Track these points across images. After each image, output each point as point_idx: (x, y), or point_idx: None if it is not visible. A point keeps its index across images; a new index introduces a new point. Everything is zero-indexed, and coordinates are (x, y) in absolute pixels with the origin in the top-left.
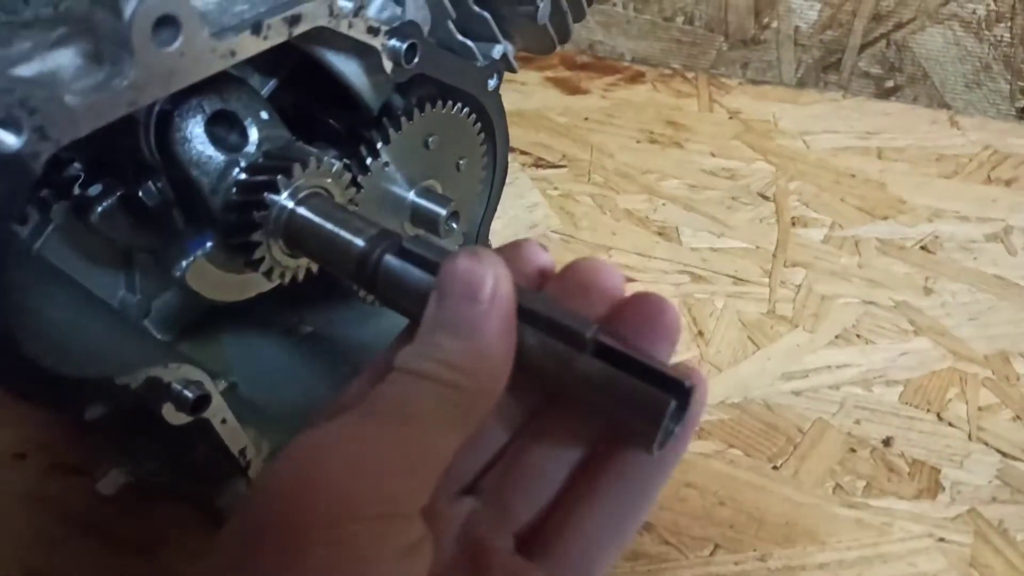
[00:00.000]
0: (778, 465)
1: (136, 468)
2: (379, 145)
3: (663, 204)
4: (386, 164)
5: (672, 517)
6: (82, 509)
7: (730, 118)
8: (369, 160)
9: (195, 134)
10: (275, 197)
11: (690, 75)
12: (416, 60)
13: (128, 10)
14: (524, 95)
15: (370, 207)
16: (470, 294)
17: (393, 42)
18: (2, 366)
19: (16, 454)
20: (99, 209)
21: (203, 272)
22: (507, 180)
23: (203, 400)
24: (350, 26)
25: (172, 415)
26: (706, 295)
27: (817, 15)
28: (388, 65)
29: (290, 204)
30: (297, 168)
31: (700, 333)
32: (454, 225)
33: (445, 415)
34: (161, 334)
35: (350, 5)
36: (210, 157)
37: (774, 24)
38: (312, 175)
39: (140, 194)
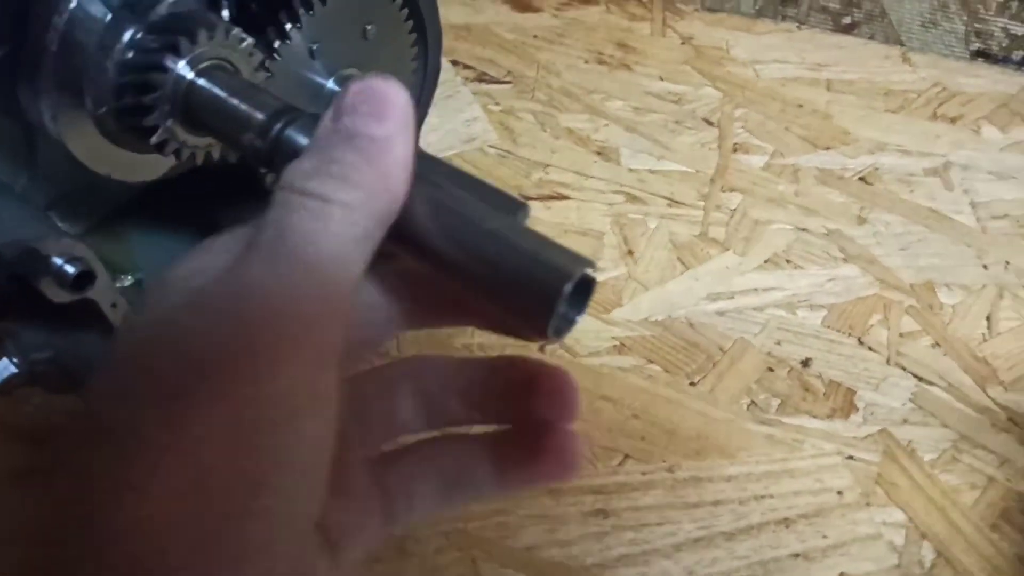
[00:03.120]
0: (695, 382)
1: (27, 359)
2: (287, 27)
3: (605, 125)
4: (298, 48)
5: (584, 427)
6: None
7: (682, 43)
8: (277, 43)
9: None
10: (173, 63)
11: None
12: None
13: None
14: (473, 9)
15: (284, 93)
16: (377, 113)
17: None
18: None
19: None
20: None
21: (85, 136)
22: (448, 94)
23: (86, 277)
24: None
25: (52, 291)
26: (639, 215)
27: None
28: None
29: (190, 73)
30: (202, 34)
31: (630, 252)
32: None
33: (346, 243)
34: (66, 226)
35: None
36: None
37: None
38: (219, 45)
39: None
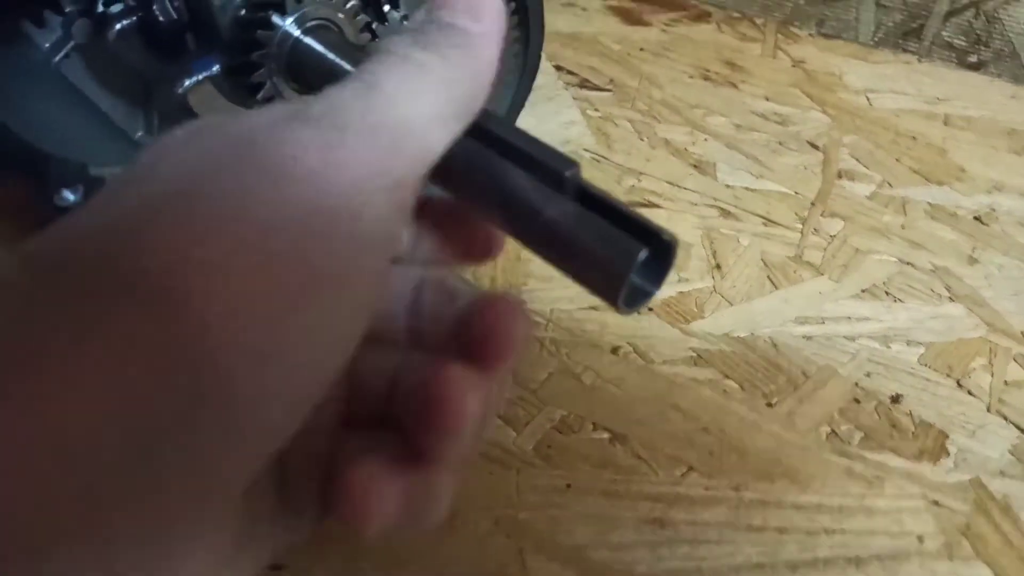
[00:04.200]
0: (773, 403)
1: None
2: None
3: (705, 139)
4: (405, 17)
5: (650, 434)
6: None
7: (793, 66)
8: (387, 7)
9: None
10: (280, 20)
11: (759, 21)
12: None
13: None
14: (583, 20)
15: None
16: (474, 11)
17: None
18: None
19: None
20: (116, 27)
21: (207, 97)
22: (548, 96)
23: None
24: None
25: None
26: (731, 231)
27: None
28: None
29: (296, 31)
30: None
31: (718, 266)
32: None
33: (433, 117)
34: None
35: None
36: None
37: None
38: (324, 5)
39: (154, 9)
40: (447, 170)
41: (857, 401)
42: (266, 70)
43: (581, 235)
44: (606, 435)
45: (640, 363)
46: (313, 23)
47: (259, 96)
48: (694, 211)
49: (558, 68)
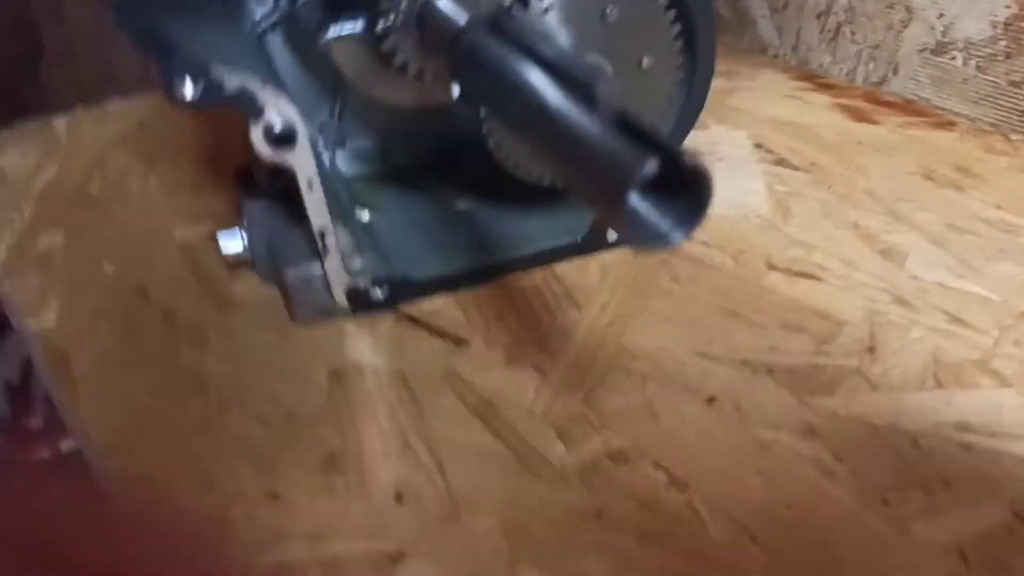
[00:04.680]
0: (891, 502)
1: (250, 236)
2: None
3: (905, 231)
4: (547, 10)
5: (717, 490)
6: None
7: None
8: None
9: None
10: None
11: (1015, 138)
12: None
13: None
14: (803, 110)
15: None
16: None
17: None
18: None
19: None
20: None
21: (351, 55)
22: (736, 165)
23: (289, 136)
24: None
25: (257, 142)
26: (903, 320)
27: None
28: None
29: None
30: None
31: (871, 349)
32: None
33: None
34: (344, 166)
35: None
36: None
37: None
38: None
39: None
40: (477, 78)
41: (1010, 532)
42: (397, 30)
43: (596, 145)
44: (664, 477)
45: (736, 419)
46: None
47: (395, 62)
48: (863, 292)
49: (758, 146)
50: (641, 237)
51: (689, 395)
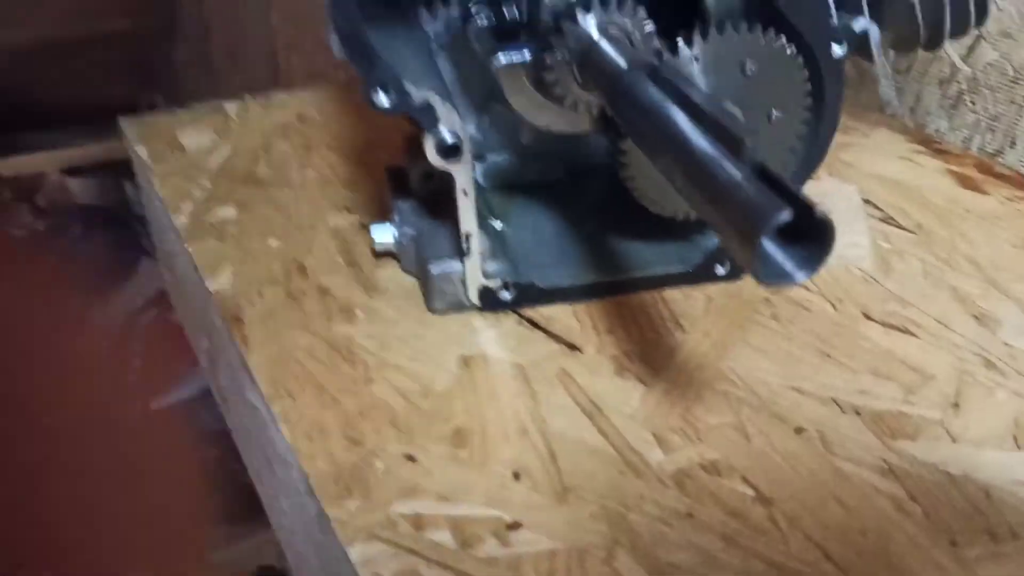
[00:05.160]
0: (958, 543)
1: (400, 231)
2: (695, 37)
3: (1000, 299)
4: (696, 58)
5: (800, 510)
6: None
7: None
8: (680, 44)
9: None
10: (583, 18)
11: None
12: None
13: None
14: (914, 172)
15: None
16: None
17: None
18: None
19: None
20: (474, 23)
21: (517, 83)
22: (844, 220)
23: (455, 149)
24: None
25: (430, 150)
26: (990, 382)
27: None
28: None
29: (594, 30)
30: (613, 4)
31: (955, 405)
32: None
33: None
34: (480, 179)
35: None
36: None
37: None
38: (626, 17)
39: (503, 9)
40: (634, 118)
41: None
42: (560, 64)
43: (738, 190)
44: (751, 492)
45: (820, 450)
46: (611, 30)
47: (555, 92)
48: (954, 352)
49: (866, 201)
50: (767, 275)
51: (779, 422)
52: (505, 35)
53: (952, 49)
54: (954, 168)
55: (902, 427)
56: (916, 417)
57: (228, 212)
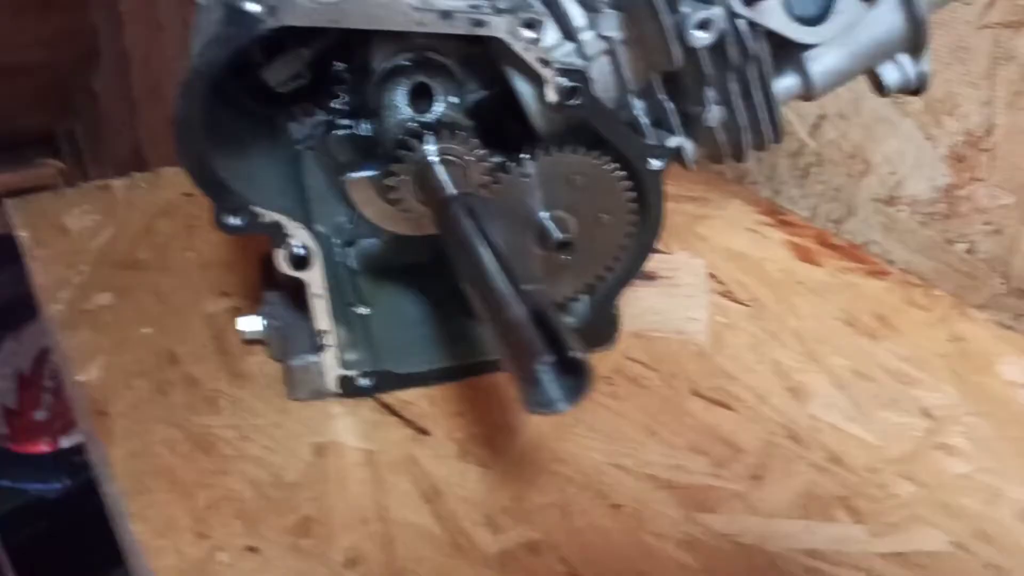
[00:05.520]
0: None
1: (267, 323)
2: (525, 157)
3: (815, 372)
4: (526, 176)
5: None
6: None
7: (949, 340)
8: (512, 165)
9: (399, 93)
10: (422, 145)
11: (937, 292)
12: (577, 102)
13: None
14: (758, 245)
15: (502, 205)
16: None
17: (561, 79)
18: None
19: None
20: (335, 133)
21: (365, 192)
22: (688, 294)
23: (303, 260)
24: (525, 49)
25: (280, 261)
26: (791, 454)
27: None
28: (551, 95)
29: (431, 154)
30: (446, 133)
31: (758, 476)
32: (561, 254)
33: None
34: (354, 262)
35: (531, 34)
36: (400, 108)
37: None
38: (459, 145)
39: (361, 126)
40: (451, 240)
41: None
42: (402, 180)
43: (518, 329)
44: (564, 569)
45: (633, 525)
46: (447, 157)
47: (399, 204)
48: (765, 425)
49: (711, 275)
50: (534, 403)
51: (600, 499)
52: (363, 150)
53: (800, 125)
54: (794, 240)
55: (707, 500)
56: (720, 490)
57: (105, 299)
